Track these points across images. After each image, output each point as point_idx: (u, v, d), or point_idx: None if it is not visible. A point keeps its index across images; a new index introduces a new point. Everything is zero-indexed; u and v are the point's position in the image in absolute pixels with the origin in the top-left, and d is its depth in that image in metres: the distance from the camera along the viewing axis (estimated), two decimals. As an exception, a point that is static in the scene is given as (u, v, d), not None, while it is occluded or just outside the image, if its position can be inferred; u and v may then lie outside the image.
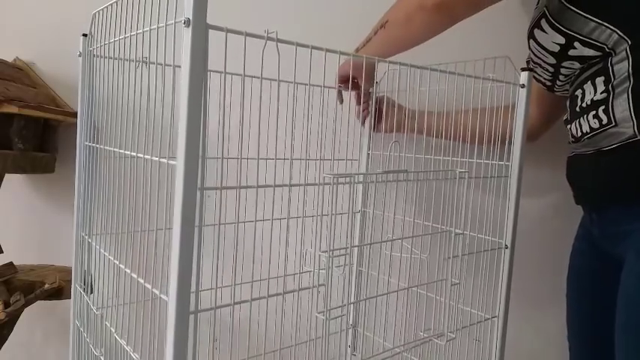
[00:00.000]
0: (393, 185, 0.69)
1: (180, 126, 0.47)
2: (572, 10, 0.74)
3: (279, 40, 0.55)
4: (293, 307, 0.65)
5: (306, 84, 0.62)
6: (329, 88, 0.66)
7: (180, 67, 0.47)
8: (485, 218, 0.81)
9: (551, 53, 0.80)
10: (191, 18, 0.45)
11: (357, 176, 0.61)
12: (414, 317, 0.74)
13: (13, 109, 0.93)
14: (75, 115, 1.07)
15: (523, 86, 0.78)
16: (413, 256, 0.72)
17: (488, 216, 0.81)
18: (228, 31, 0.51)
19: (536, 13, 0.83)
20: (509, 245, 0.80)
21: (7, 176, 1.01)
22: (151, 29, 0.52)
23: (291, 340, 0.73)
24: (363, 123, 0.98)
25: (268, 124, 0.62)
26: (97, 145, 0.71)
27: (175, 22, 0.47)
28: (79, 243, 0.77)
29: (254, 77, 0.59)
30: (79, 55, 0.77)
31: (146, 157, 0.55)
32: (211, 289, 0.58)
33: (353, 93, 0.97)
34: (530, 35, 0.83)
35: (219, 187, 0.58)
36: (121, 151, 0.62)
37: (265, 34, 0.55)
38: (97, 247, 0.70)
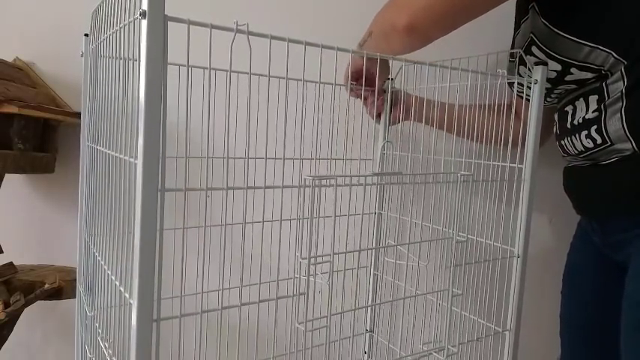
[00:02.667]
0: (406, 188, 0.64)
1: (139, 123, 0.45)
2: (562, 36, 0.73)
3: (250, 33, 0.52)
4: (271, 316, 0.61)
5: (283, 77, 0.59)
6: (308, 81, 0.61)
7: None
8: (493, 223, 0.76)
9: (547, 79, 0.78)
10: (147, 10, 0.44)
11: (340, 178, 0.56)
12: (426, 325, 0.69)
13: (13, 109, 0.93)
14: (75, 115, 1.07)
15: (536, 82, 0.74)
16: (411, 263, 0.69)
17: (497, 221, 0.76)
18: (191, 23, 0.48)
19: (521, 39, 0.81)
20: (521, 254, 0.75)
21: (7, 176, 1.01)
22: (124, 25, 0.51)
23: (267, 351, 0.67)
24: (377, 119, 0.96)
25: (252, 122, 0.60)
26: (95, 146, 0.71)
27: (139, 17, 0.45)
28: (83, 243, 0.77)
29: (221, 70, 0.56)
30: (82, 55, 0.76)
31: (118, 155, 0.53)
32: (174, 297, 0.55)
33: (360, 89, 0.94)
34: (521, 62, 0.81)
35: (183, 189, 0.53)
36: (102, 149, 0.61)
37: (235, 27, 0.51)
38: (92, 247, 0.70)
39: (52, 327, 1.19)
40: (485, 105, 0.81)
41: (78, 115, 1.07)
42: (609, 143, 0.72)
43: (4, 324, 0.91)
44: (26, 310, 0.95)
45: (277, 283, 0.65)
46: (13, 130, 0.98)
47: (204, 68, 0.53)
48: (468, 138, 0.83)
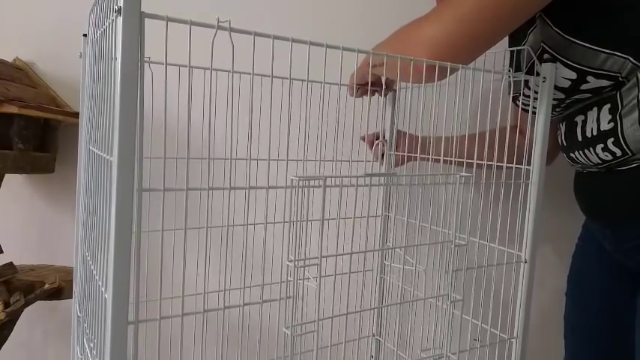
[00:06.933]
0: (408, 190, 0.61)
1: (114, 120, 0.45)
2: (577, 44, 0.70)
3: (232, 30, 0.50)
4: (261, 320, 0.60)
5: (266, 75, 0.57)
6: (293, 79, 0.58)
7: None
8: (499, 226, 0.72)
9: (560, 89, 0.75)
10: (122, 6, 0.44)
11: (330, 179, 0.52)
12: (431, 330, 0.67)
13: (13, 109, 0.93)
14: (75, 115, 1.07)
15: (545, 80, 0.71)
16: (409, 267, 0.66)
17: (503, 224, 0.72)
18: (169, 19, 0.48)
19: (533, 48, 0.78)
20: (528, 260, 0.72)
21: (7, 176, 1.01)
22: (108, 24, 0.50)
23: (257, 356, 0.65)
24: (381, 159, 0.94)
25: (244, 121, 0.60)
26: (89, 146, 0.70)
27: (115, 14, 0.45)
28: (79, 243, 0.77)
29: (203, 69, 0.54)
30: (80, 56, 0.76)
31: (102, 154, 0.52)
32: (157, 299, 0.54)
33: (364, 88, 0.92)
34: (530, 72, 0.78)
35: (161, 189, 0.52)
36: (93, 148, 0.60)
37: (216, 23, 0.50)
38: (85, 247, 0.69)
39: (52, 327, 1.19)
40: (489, 131, 0.78)
41: (78, 115, 1.07)
42: (630, 154, 0.69)
43: (4, 324, 0.91)
44: (26, 310, 0.95)
45: (262, 286, 0.63)
46: (13, 130, 0.98)
47: (180, 66, 0.52)
48: (475, 167, 0.79)
